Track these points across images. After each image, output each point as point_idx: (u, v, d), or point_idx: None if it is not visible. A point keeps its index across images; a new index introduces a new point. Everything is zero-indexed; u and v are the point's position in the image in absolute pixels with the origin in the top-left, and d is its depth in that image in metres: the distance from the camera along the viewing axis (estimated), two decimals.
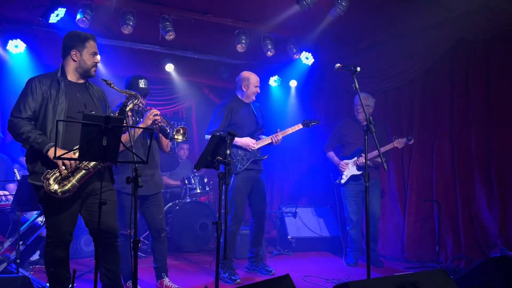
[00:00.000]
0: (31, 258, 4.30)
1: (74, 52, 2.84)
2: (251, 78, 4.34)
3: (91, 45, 2.86)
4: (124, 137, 3.28)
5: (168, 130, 3.46)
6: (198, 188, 5.77)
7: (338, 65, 3.22)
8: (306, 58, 5.95)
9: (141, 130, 3.44)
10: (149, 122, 3.37)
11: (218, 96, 7.02)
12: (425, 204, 5.02)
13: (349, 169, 4.84)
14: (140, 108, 3.58)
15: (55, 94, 2.74)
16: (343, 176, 4.87)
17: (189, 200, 5.69)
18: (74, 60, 2.85)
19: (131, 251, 2.46)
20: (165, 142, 3.68)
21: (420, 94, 5.19)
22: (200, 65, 6.36)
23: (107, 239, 2.83)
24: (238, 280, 4.05)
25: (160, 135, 3.59)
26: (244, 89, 4.35)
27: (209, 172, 6.44)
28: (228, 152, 2.99)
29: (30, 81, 2.77)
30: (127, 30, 4.80)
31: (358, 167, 4.80)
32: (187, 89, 6.87)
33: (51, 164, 2.62)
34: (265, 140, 4.31)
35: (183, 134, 3.38)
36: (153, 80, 6.43)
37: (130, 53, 5.76)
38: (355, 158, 4.83)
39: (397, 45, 5.21)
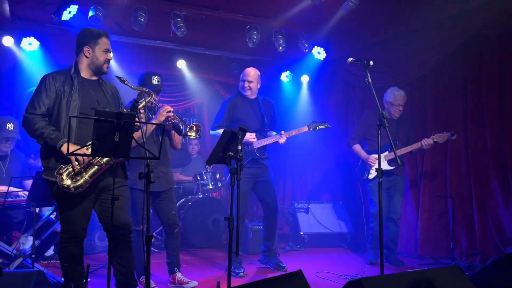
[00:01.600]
0: (45, 254, 4.36)
1: (86, 49, 2.86)
2: (242, 74, 4.37)
3: (103, 42, 2.88)
4: (137, 134, 3.30)
5: (181, 127, 3.47)
6: (210, 184, 5.78)
7: (350, 59, 3.19)
8: (318, 53, 5.90)
9: (153, 126, 3.45)
10: (162, 118, 3.39)
11: (230, 92, 6.99)
12: (439, 201, 4.96)
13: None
14: (153, 105, 3.60)
15: (69, 91, 2.77)
16: (372, 171, 4.59)
17: (201, 196, 5.71)
18: (87, 57, 2.87)
19: (144, 247, 2.47)
20: (177, 139, 3.68)
21: (432, 89, 5.12)
22: (212, 61, 6.36)
23: (120, 234, 2.84)
24: (242, 274, 4.08)
25: (173, 132, 3.60)
26: (240, 85, 4.38)
27: (221, 168, 6.44)
28: (239, 147, 2.98)
29: (44, 78, 2.80)
30: (138, 26, 4.82)
31: (390, 162, 4.55)
32: (199, 85, 6.88)
33: (65, 160, 2.65)
34: (266, 140, 4.28)
35: (196, 131, 3.38)
36: (164, 77, 6.40)
37: (141, 50, 5.78)
38: (386, 153, 4.56)
39: (410, 40, 5.13)
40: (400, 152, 4.41)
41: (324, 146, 6.55)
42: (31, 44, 4.99)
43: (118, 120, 2.28)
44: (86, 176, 2.65)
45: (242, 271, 4.11)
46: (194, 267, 4.51)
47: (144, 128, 3.34)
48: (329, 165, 6.53)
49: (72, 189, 2.62)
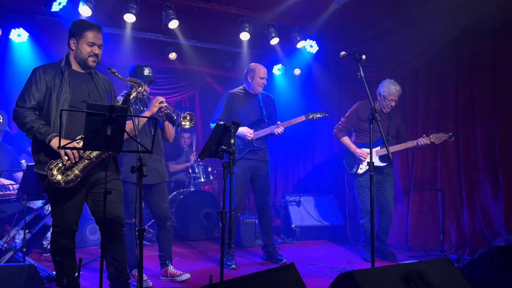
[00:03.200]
0: (48, 247, 4.35)
1: (72, 41, 2.82)
2: (257, 70, 4.32)
3: (89, 35, 2.79)
4: (128, 126, 3.28)
5: (175, 117, 3.44)
6: (202, 177, 5.79)
7: (343, 53, 3.19)
8: (311, 46, 5.90)
9: (145, 119, 3.43)
10: (155, 109, 3.36)
11: (221, 85, 6.98)
12: (429, 193, 5.01)
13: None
14: (144, 97, 3.57)
15: (59, 83, 2.74)
16: (361, 166, 4.47)
17: (193, 189, 5.71)
18: (72, 49, 2.83)
19: (136, 240, 2.47)
20: (170, 131, 3.66)
21: (425, 83, 5.14)
22: (203, 54, 6.32)
23: (112, 228, 2.84)
24: (233, 266, 4.11)
25: (166, 124, 3.58)
26: (250, 80, 4.35)
27: (213, 161, 6.44)
28: (232, 141, 2.98)
29: (34, 71, 2.76)
30: (130, 18, 4.77)
31: (381, 158, 4.43)
32: (190, 78, 6.85)
33: (55, 154, 2.62)
34: (265, 131, 4.30)
35: (190, 120, 3.35)
36: (156, 69, 6.35)
37: (132, 42, 5.72)
38: (378, 148, 4.41)
39: (403, 34, 5.15)
40: (393, 149, 4.35)
41: (316, 139, 6.59)
42: (20, 36, 4.91)
43: (110, 113, 2.26)
44: (77, 171, 2.63)
45: (234, 263, 4.14)
46: (186, 260, 4.52)
47: (136, 120, 3.31)
48: (320, 158, 6.55)
49: (63, 184, 2.60)
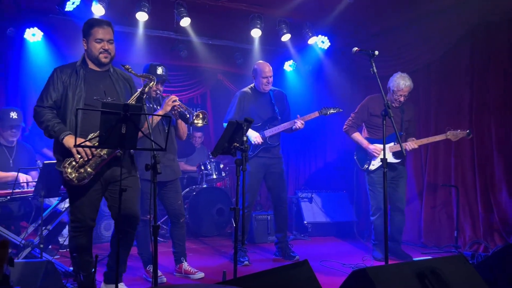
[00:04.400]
0: (65, 243, 4.43)
1: (84, 41, 2.88)
2: (259, 69, 4.31)
3: (96, 32, 2.81)
4: (150, 120, 3.34)
5: (188, 115, 3.48)
6: (214, 174, 5.82)
7: (355, 48, 3.17)
8: (322, 42, 5.88)
9: (159, 117, 3.46)
10: (168, 108, 3.40)
11: (233, 82, 6.99)
12: (443, 190, 4.97)
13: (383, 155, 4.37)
14: (158, 95, 3.61)
15: (74, 82, 2.79)
16: (374, 162, 4.30)
17: (205, 185, 5.74)
18: (85, 49, 2.89)
19: (151, 236, 2.50)
20: (183, 129, 3.70)
21: (437, 78, 5.09)
22: (215, 51, 6.34)
23: (126, 225, 2.89)
24: (246, 262, 4.12)
25: (179, 122, 3.61)
26: (254, 80, 4.36)
27: (225, 158, 6.47)
28: (245, 138, 2.99)
29: (53, 72, 2.84)
30: (142, 16, 4.81)
31: (395, 155, 4.25)
32: (202, 75, 6.87)
33: (69, 152, 2.69)
34: (278, 128, 4.30)
35: (203, 119, 3.38)
36: (167, 67, 6.41)
37: (144, 40, 5.77)
38: (392, 144, 4.24)
39: (415, 28, 5.10)
40: (421, 142, 4.20)
41: (328, 134, 6.57)
42: (34, 35, 4.98)
43: (124, 112, 2.29)
44: (89, 169, 2.68)
45: (247, 259, 4.16)
46: (199, 255, 4.56)
47: (150, 119, 3.35)
48: (332, 154, 6.54)
49: (76, 181, 2.66)
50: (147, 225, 3.54)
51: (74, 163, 2.67)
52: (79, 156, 2.66)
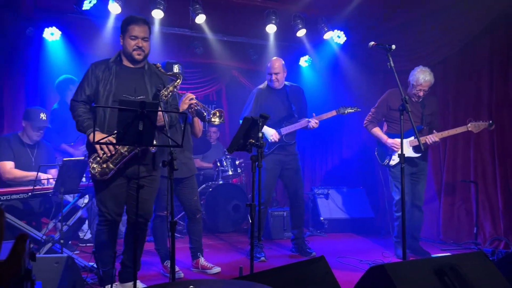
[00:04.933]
0: (85, 238, 4.53)
1: (121, 37, 2.96)
2: (267, 66, 4.35)
3: (132, 29, 2.89)
4: (159, 122, 3.37)
5: (205, 114, 3.52)
6: (230, 170, 5.83)
7: (372, 43, 3.14)
8: (338, 37, 5.83)
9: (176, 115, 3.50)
10: (185, 106, 3.45)
11: (248, 78, 6.99)
12: (462, 185, 4.89)
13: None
14: (174, 93, 3.63)
15: (106, 78, 2.86)
16: (394, 157, 4.21)
17: (221, 182, 5.77)
18: (121, 45, 2.96)
19: (168, 232, 2.53)
20: (199, 127, 3.73)
21: (456, 72, 5.01)
22: (230, 47, 6.34)
23: (137, 222, 2.94)
24: (263, 258, 4.14)
25: (196, 119, 3.65)
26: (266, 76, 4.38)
27: (240, 154, 6.48)
28: (260, 135, 2.99)
29: (90, 66, 2.93)
30: (158, 14, 4.83)
31: (415, 149, 4.16)
32: (217, 72, 6.88)
33: (92, 149, 2.80)
34: (294, 126, 4.28)
35: (220, 117, 3.42)
36: (183, 64, 6.45)
37: (160, 38, 5.81)
38: (412, 138, 4.15)
39: (432, 21, 5.02)
40: (442, 135, 4.09)
41: (344, 130, 6.52)
42: (53, 34, 5.05)
43: (141, 109, 2.31)
44: (111, 165, 2.75)
45: (263, 255, 4.17)
46: (216, 251, 4.59)
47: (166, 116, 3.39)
48: (348, 150, 6.49)
49: (98, 176, 2.75)
50: (164, 221, 3.58)
51: (98, 158, 2.76)
52: (102, 152, 2.73)
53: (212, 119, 3.41)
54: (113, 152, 2.73)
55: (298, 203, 4.41)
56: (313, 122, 4.20)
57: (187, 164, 3.70)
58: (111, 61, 2.92)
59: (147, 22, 2.97)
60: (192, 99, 3.47)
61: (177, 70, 3.65)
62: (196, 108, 3.51)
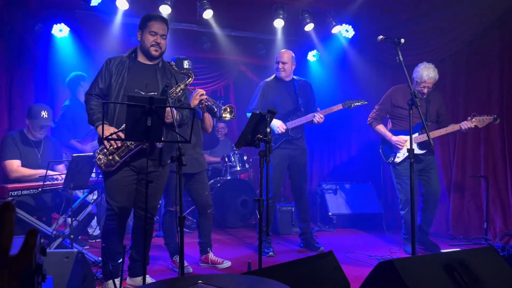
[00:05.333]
0: (94, 233, 4.57)
1: (139, 33, 2.98)
2: (276, 56, 4.33)
3: (152, 25, 2.93)
4: (169, 117, 3.40)
5: (216, 109, 3.52)
6: (238, 166, 5.84)
7: (381, 37, 3.11)
8: (346, 31, 5.79)
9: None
10: (196, 102, 3.47)
11: (255, 73, 6.97)
12: (472, 180, 4.85)
13: (407, 146, 4.11)
14: (185, 91, 3.65)
15: (119, 72, 2.89)
16: (399, 155, 4.18)
17: (229, 177, 5.78)
18: (139, 40, 2.98)
19: (177, 227, 2.54)
20: (209, 122, 3.75)
21: (466, 66, 4.96)
22: (237, 43, 6.33)
23: (143, 216, 2.97)
24: (271, 253, 4.14)
25: (206, 115, 3.66)
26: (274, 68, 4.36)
27: (248, 150, 6.48)
28: (268, 130, 2.98)
29: (105, 61, 2.96)
30: (165, 10, 4.83)
31: (420, 145, 4.12)
32: (225, 67, 6.88)
33: (99, 141, 2.87)
34: (300, 120, 4.26)
35: (230, 113, 3.44)
36: (191, 60, 6.46)
37: (168, 33, 5.80)
38: (416, 135, 4.11)
39: (442, 15, 4.96)
40: (434, 134, 4.08)
41: (352, 125, 6.49)
42: (61, 31, 5.08)
43: (149, 105, 2.32)
44: (117, 157, 2.79)
45: (271, 250, 4.17)
46: (224, 246, 4.60)
47: (175, 112, 3.41)
48: (357, 145, 6.47)
49: (103, 167, 2.80)
50: (173, 216, 3.60)
51: (105, 150, 2.80)
52: (109, 144, 2.77)
53: (223, 115, 3.43)
54: (119, 145, 2.76)
55: (301, 198, 4.42)
56: (318, 117, 4.18)
57: (198, 159, 3.72)
58: (125, 56, 2.96)
59: (166, 20, 3.03)
60: (202, 94, 3.49)
61: (187, 65, 3.66)
62: (206, 104, 3.53)
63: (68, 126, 4.66)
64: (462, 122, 4.02)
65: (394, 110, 4.29)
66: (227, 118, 3.44)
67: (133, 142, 2.76)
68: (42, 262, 1.77)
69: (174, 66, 2.95)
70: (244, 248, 4.60)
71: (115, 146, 2.78)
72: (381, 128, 4.32)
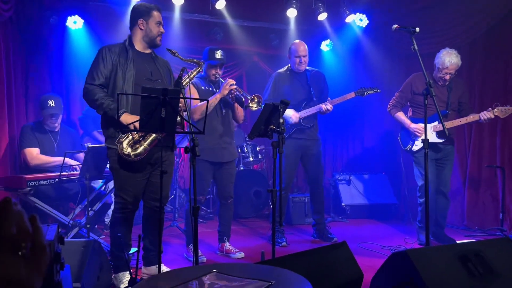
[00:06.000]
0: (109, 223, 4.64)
1: (141, 21, 2.95)
2: (293, 49, 4.28)
3: (156, 15, 2.96)
4: (201, 108, 3.42)
5: (243, 99, 3.57)
6: (251, 157, 5.86)
7: (395, 26, 3.07)
8: (360, 20, 5.72)
9: (217, 101, 3.59)
10: (226, 92, 3.53)
11: (268, 63, 6.94)
12: (488, 170, 4.79)
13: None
14: (217, 79, 3.72)
15: (124, 62, 2.87)
16: (417, 143, 4.10)
17: (242, 168, 5.80)
18: (141, 29, 2.96)
19: (191, 217, 2.56)
20: (240, 113, 3.79)
21: (482, 55, 4.86)
22: (250, 33, 6.31)
23: (153, 206, 3.02)
24: (284, 243, 4.17)
25: (236, 105, 3.71)
26: (290, 60, 4.35)
27: (261, 141, 6.48)
28: (281, 121, 2.98)
29: (101, 50, 2.90)
30: (178, 1, 4.83)
31: (439, 134, 4.01)
32: (237, 57, 6.86)
33: (123, 129, 2.77)
34: (312, 109, 4.25)
35: (258, 103, 3.50)
36: (203, 50, 6.45)
37: (180, 24, 5.81)
38: (436, 123, 4.02)
39: (457, 3, 4.86)
40: (453, 123, 3.98)
41: (366, 115, 6.43)
42: (76, 23, 5.12)
43: (163, 96, 2.33)
44: (145, 144, 2.77)
45: (284, 240, 4.20)
46: (238, 236, 4.64)
47: (211, 100, 3.51)
48: (371, 135, 6.42)
49: (133, 156, 2.74)
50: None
51: (130, 138, 2.76)
52: (136, 132, 2.76)
53: (250, 105, 3.49)
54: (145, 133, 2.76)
55: (317, 189, 4.41)
56: (327, 106, 4.16)
57: (227, 148, 3.75)
58: (126, 45, 2.93)
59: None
60: (232, 84, 3.54)
61: (220, 56, 3.69)
62: (235, 94, 3.56)
63: (93, 117, 4.72)
64: (482, 113, 3.90)
65: (414, 97, 4.20)
66: (254, 108, 3.48)
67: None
68: (60, 250, 1.82)
69: (177, 53, 2.90)
70: (258, 238, 4.63)
71: (141, 134, 2.77)
72: (400, 115, 4.23)
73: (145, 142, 2.77)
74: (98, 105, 2.79)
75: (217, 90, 3.67)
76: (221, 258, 3.79)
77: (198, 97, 3.60)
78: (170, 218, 5.19)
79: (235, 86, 3.55)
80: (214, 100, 3.55)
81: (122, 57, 2.87)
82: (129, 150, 2.74)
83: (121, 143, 2.76)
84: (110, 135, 2.86)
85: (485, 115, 3.87)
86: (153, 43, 2.98)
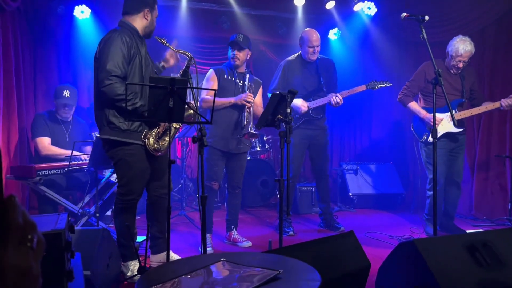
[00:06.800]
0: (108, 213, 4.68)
1: (147, 11, 2.89)
2: (306, 38, 4.20)
3: (156, 10, 2.98)
4: (219, 101, 3.55)
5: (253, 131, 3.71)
6: (258, 146, 5.86)
7: (404, 14, 3.03)
8: (368, 8, 5.66)
9: (231, 104, 3.67)
10: (239, 103, 3.63)
11: (275, 52, 6.90)
12: (496, 160, 4.75)
13: (443, 125, 3.96)
14: (237, 64, 3.82)
15: (137, 53, 2.79)
16: None
17: (249, 158, 5.80)
18: (145, 19, 2.90)
19: (199, 206, 2.58)
20: (258, 113, 3.81)
21: (492, 44, 4.79)
22: (257, 22, 6.26)
23: (156, 194, 3.04)
24: (291, 233, 4.19)
25: (255, 105, 3.82)
26: (301, 48, 4.28)
27: (269, 130, 6.48)
28: (288, 110, 2.97)
29: (116, 36, 2.70)
30: None
31: (455, 124, 3.84)
32: None
33: (150, 124, 2.81)
34: (322, 100, 4.22)
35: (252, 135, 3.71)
36: (210, 39, 6.44)
37: (187, 13, 5.79)
38: (454, 112, 3.89)
39: None
40: (472, 112, 3.91)
41: (373, 105, 6.40)
42: (83, 12, 5.11)
43: (171, 86, 2.33)
44: (168, 138, 2.79)
45: (291, 230, 4.21)
46: (245, 225, 4.67)
47: (224, 101, 3.59)
48: (378, 125, 6.39)
49: (162, 151, 2.81)
50: (210, 191, 3.66)
51: (154, 133, 2.80)
52: (163, 127, 2.81)
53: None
54: (167, 127, 2.79)
55: (323, 178, 4.42)
56: (337, 99, 4.09)
57: (241, 139, 3.77)
58: (129, 34, 2.80)
59: None
60: (249, 102, 3.62)
61: (238, 37, 3.81)
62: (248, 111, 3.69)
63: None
64: (503, 100, 3.80)
65: (428, 86, 4.08)
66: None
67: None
68: (71, 239, 1.84)
69: (167, 43, 2.79)
70: (265, 227, 4.66)
71: (164, 129, 2.80)
72: (414, 105, 4.10)
73: (167, 136, 2.79)
74: (129, 99, 2.61)
75: (240, 82, 3.72)
76: (228, 247, 3.83)
77: (216, 85, 3.62)
78: (178, 207, 5.22)
79: (250, 105, 3.63)
80: (227, 102, 3.64)
81: (134, 46, 2.77)
82: (156, 145, 2.80)
83: (148, 138, 2.79)
84: (131, 129, 2.77)
85: (507, 101, 3.78)
86: (150, 35, 2.98)
